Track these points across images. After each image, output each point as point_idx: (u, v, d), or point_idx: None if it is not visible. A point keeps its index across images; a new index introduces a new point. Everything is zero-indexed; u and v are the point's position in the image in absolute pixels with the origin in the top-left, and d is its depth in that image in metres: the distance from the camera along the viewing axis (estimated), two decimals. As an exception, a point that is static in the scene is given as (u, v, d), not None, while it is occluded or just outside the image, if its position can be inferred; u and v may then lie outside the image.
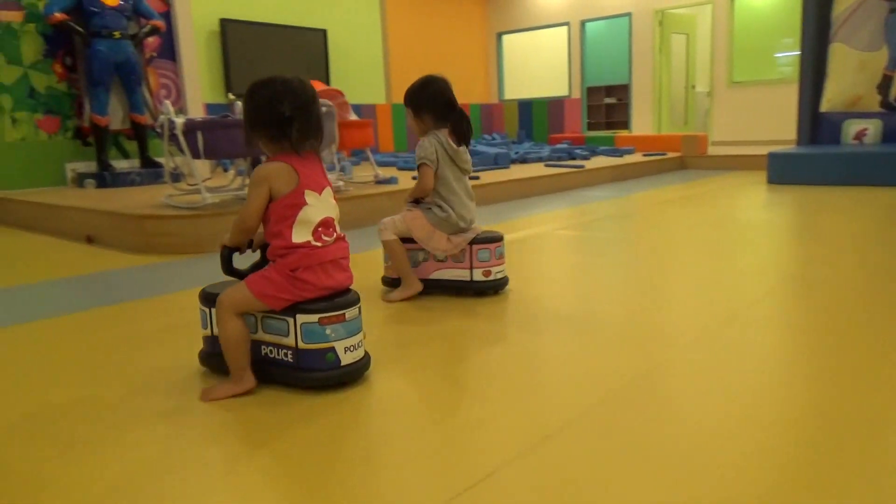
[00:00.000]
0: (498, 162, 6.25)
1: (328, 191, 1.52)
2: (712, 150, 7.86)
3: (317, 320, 1.41)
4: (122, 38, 5.21)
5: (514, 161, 6.67)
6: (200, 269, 2.92)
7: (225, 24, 7.34)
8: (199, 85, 6.25)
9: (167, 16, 5.87)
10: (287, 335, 1.45)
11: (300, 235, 1.44)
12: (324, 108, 3.76)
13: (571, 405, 1.35)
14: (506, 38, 11.05)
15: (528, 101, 10.71)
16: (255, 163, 3.87)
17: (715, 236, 3.37)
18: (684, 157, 7.49)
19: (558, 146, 7.88)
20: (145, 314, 2.23)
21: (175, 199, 3.72)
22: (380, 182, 4.61)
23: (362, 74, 9.12)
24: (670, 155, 7.42)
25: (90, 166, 5.41)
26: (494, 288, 2.24)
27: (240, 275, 1.53)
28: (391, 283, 2.31)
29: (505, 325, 1.97)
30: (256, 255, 1.58)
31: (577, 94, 10.32)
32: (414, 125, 2.25)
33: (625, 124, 10.29)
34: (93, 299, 2.47)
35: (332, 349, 1.42)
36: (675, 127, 9.78)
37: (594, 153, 7.58)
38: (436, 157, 2.16)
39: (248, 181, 4.03)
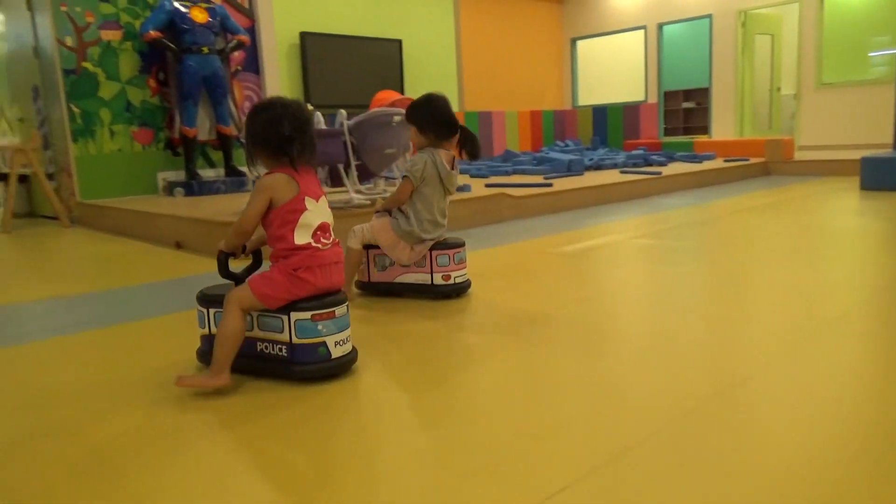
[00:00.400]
0: (572, 169, 6.19)
1: (324, 199, 1.66)
2: (799, 155, 7.51)
3: (309, 317, 1.54)
4: (210, 53, 5.48)
5: (588, 168, 6.58)
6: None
7: (304, 36, 7.59)
8: (281, 96, 6.48)
9: (252, 31, 6.14)
10: (282, 331, 1.56)
11: (302, 238, 1.57)
12: (398, 117, 3.85)
13: (648, 420, 1.33)
14: (580, 43, 10.93)
15: (602, 106, 10.56)
16: (332, 171, 3.99)
17: (801, 245, 3.23)
18: (768, 163, 7.19)
19: (634, 152, 7.73)
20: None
21: (257, 206, 3.87)
22: (453, 190, 4.66)
23: (436, 83, 9.23)
24: (753, 160, 7.14)
25: (179, 175, 5.71)
26: (456, 291, 2.35)
27: (235, 278, 1.67)
28: (362, 286, 2.46)
29: (580, 336, 1.96)
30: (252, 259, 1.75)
31: (653, 99, 10.09)
32: (414, 141, 2.33)
33: (704, 129, 9.97)
34: (182, 303, 2.61)
35: (324, 343, 1.55)
36: (758, 131, 9.40)
37: (672, 159, 7.38)
38: (421, 175, 2.25)
39: (325, 189, 4.17)
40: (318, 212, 1.60)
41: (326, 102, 7.70)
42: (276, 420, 1.40)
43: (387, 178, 4.70)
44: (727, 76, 9.28)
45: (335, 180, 4.02)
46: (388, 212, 2.35)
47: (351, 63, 8.01)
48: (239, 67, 6.15)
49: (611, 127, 10.43)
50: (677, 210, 4.67)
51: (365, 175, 4.03)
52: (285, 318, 1.56)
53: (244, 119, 5.80)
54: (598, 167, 6.68)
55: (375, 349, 1.83)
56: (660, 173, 5.88)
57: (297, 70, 7.67)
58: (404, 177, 2.27)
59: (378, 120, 3.79)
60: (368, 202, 3.87)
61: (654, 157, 7.13)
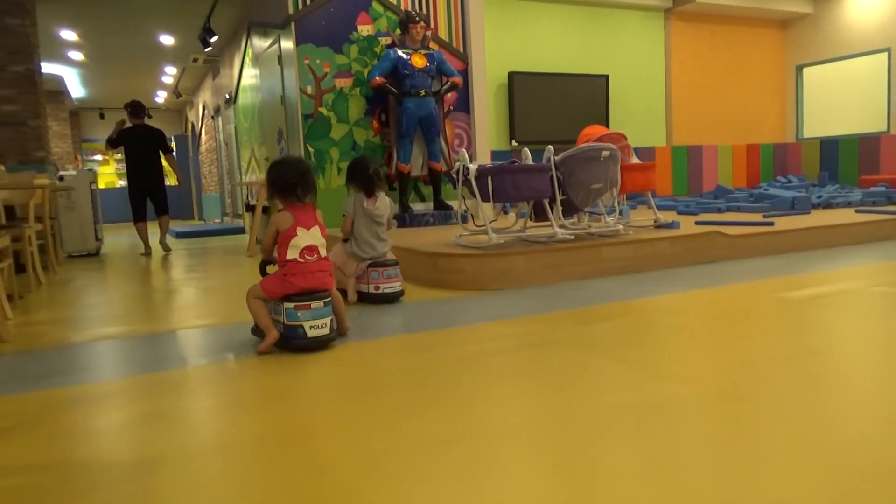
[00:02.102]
0: (796, 206, 5.66)
1: (316, 229, 2.33)
2: None
3: (293, 307, 2.20)
4: (426, 95, 5.89)
5: (815, 206, 5.96)
6: (486, 304, 3.13)
7: (512, 76, 7.86)
8: (487, 134, 6.75)
9: (464, 72, 6.50)
10: (280, 315, 2.24)
11: (291, 254, 2.26)
12: (606, 152, 3.82)
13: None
14: (806, 70, 10.01)
15: (832, 138, 9.53)
16: (537, 205, 4.05)
17: None
18: None
19: (873, 189, 6.85)
20: (436, 343, 2.46)
21: (465, 238, 4.05)
22: (660, 226, 4.48)
23: (643, 116, 9.01)
24: None
25: (393, 208, 6.16)
26: (384, 299, 3.21)
27: (265, 276, 2.40)
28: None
29: (802, 398, 1.77)
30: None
31: (897, 129, 8.90)
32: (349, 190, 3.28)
33: (965, 162, 8.55)
34: (390, 328, 2.80)
35: (302, 326, 2.19)
36: None
37: (922, 197, 6.42)
38: (352, 212, 3.24)
39: (528, 223, 4.24)
40: (306, 237, 2.28)
41: (532, 139, 7.87)
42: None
43: (591, 214, 4.66)
44: None
45: (539, 214, 4.07)
46: (346, 240, 3.30)
47: (557, 100, 8.12)
48: (451, 107, 6.52)
49: (843, 161, 9.37)
50: (931, 255, 4.05)
51: (569, 210, 4.04)
52: (282, 305, 2.23)
53: (451, 156, 6.13)
54: (827, 205, 6.02)
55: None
56: (907, 213, 5.15)
57: (503, 108, 7.95)
58: (344, 215, 3.26)
59: (586, 155, 3.80)
60: (572, 237, 3.87)
61: (899, 195, 6.25)
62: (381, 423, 1.63)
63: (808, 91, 10.08)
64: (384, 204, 3.27)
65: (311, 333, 2.21)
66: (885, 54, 8.96)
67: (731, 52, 9.63)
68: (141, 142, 6.73)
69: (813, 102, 10.06)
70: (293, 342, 2.26)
